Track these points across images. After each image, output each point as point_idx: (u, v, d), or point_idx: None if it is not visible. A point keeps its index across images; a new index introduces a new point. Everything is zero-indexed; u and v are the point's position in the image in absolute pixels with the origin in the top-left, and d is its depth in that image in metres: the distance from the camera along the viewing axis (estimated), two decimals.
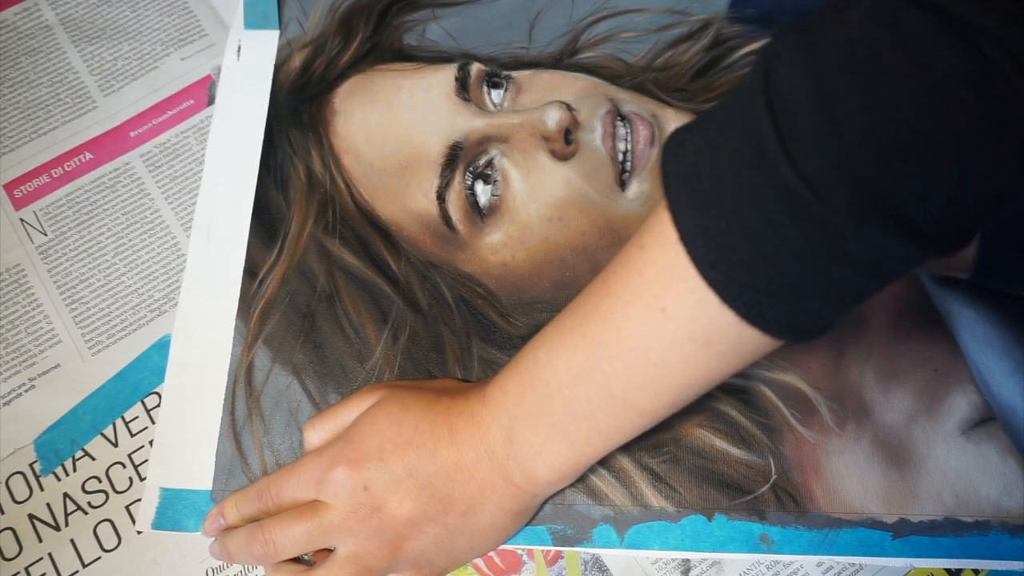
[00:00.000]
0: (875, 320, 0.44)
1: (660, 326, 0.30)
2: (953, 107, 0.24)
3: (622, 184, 0.46)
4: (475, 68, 0.47)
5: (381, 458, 0.36)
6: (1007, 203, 0.27)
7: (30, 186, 0.47)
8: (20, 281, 0.45)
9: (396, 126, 0.47)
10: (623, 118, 0.46)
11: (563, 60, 0.50)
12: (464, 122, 0.46)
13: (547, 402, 0.34)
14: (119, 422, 0.41)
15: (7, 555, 0.39)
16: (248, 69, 0.48)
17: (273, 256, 0.45)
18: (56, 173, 0.47)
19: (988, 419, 0.43)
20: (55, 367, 0.43)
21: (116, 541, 0.39)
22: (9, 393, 0.42)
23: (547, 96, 0.46)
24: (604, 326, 0.32)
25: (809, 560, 0.39)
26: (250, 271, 0.44)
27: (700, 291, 0.29)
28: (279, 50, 0.48)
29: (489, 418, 0.36)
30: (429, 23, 0.49)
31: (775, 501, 0.41)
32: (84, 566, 0.39)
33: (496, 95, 0.46)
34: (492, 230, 0.45)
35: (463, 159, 0.46)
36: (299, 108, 0.48)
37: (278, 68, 0.49)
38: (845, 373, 0.43)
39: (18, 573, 0.39)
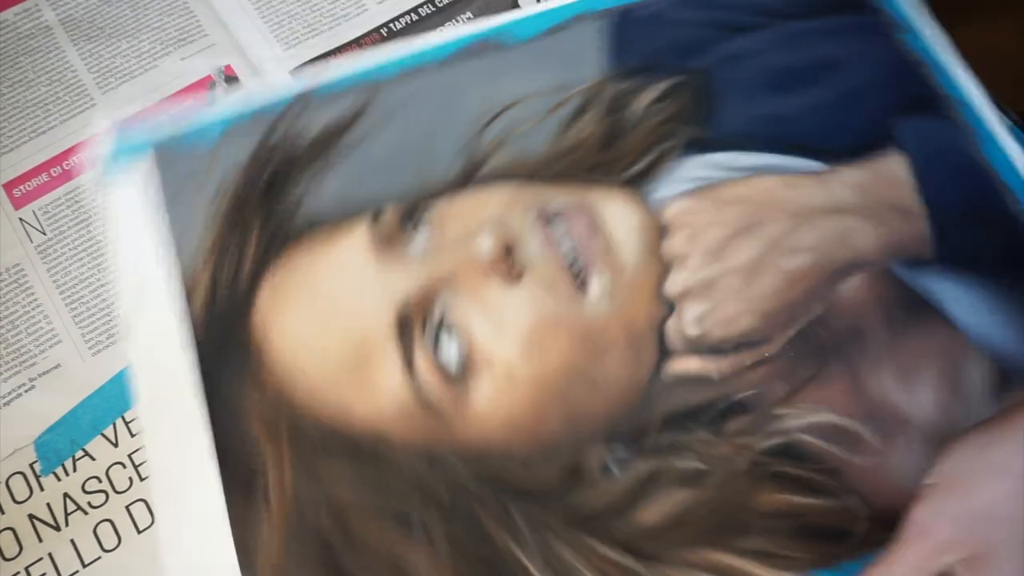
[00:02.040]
0: (869, 328, 0.44)
1: None
2: None
3: (582, 286, 0.43)
4: (388, 213, 0.43)
5: None
6: None
7: (29, 185, 0.47)
8: (20, 281, 0.45)
9: (333, 322, 0.43)
10: (555, 217, 0.44)
11: (473, 178, 0.46)
12: (399, 283, 0.42)
13: None
14: (119, 422, 0.41)
15: (7, 555, 0.39)
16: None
17: (263, 519, 0.40)
18: (55, 172, 0.47)
19: (1009, 378, 0.43)
20: (55, 367, 0.43)
21: (116, 541, 0.40)
22: (9, 393, 0.42)
23: (471, 223, 0.43)
24: None
25: None
26: (244, 554, 0.40)
27: None
28: (184, 285, 0.43)
29: None
30: (319, 183, 0.45)
31: (882, 530, 0.39)
32: (84, 566, 0.39)
33: (420, 237, 0.43)
34: (476, 386, 0.42)
35: (415, 323, 0.42)
36: (226, 342, 0.43)
37: (188, 297, 0.43)
38: (865, 390, 0.43)
39: (18, 573, 0.39)
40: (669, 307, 0.43)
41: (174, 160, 0.44)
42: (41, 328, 0.44)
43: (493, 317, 0.42)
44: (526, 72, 0.48)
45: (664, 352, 0.42)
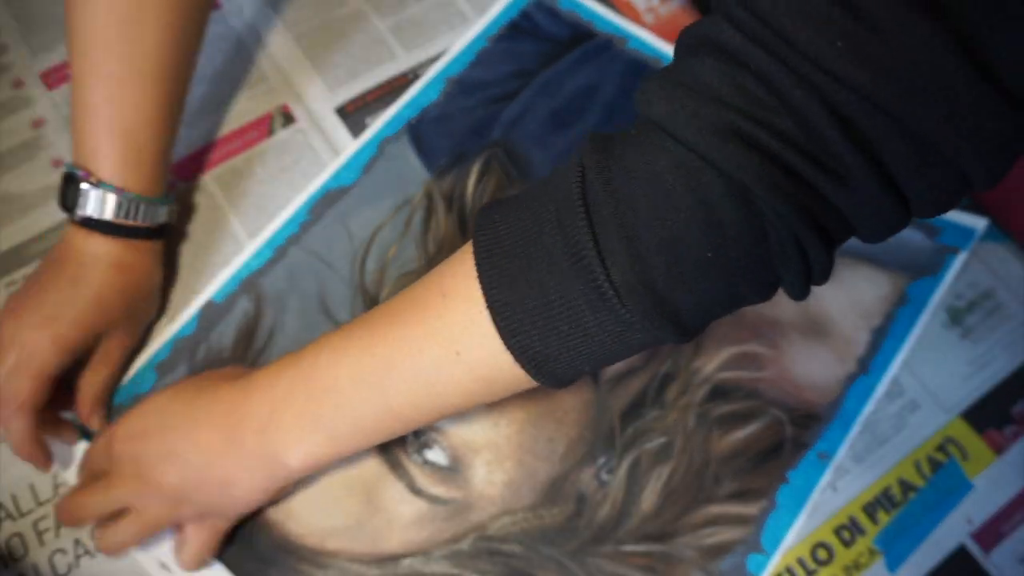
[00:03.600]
0: None
1: (452, 365, 0.32)
2: (735, 258, 0.27)
3: None
4: None
5: (145, 437, 0.39)
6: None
7: None
8: None
9: (332, 483, 0.45)
10: None
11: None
12: None
13: (318, 399, 0.36)
14: None
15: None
16: None
17: None
18: None
19: None
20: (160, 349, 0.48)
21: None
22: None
23: None
24: (397, 352, 0.34)
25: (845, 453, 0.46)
26: None
27: (496, 348, 0.31)
28: None
29: (247, 406, 0.38)
30: None
31: (800, 428, 0.46)
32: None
33: None
34: (473, 472, 0.45)
35: (396, 451, 0.45)
36: (251, 550, 0.43)
37: None
38: (742, 316, 0.48)
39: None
40: None
41: None
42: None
43: (455, 418, 0.46)
44: (370, 203, 0.51)
45: None
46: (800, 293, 0.29)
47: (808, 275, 0.28)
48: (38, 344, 0.41)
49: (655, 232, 0.27)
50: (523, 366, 0.31)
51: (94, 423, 0.45)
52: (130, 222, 0.44)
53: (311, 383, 0.36)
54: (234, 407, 0.38)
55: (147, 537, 0.41)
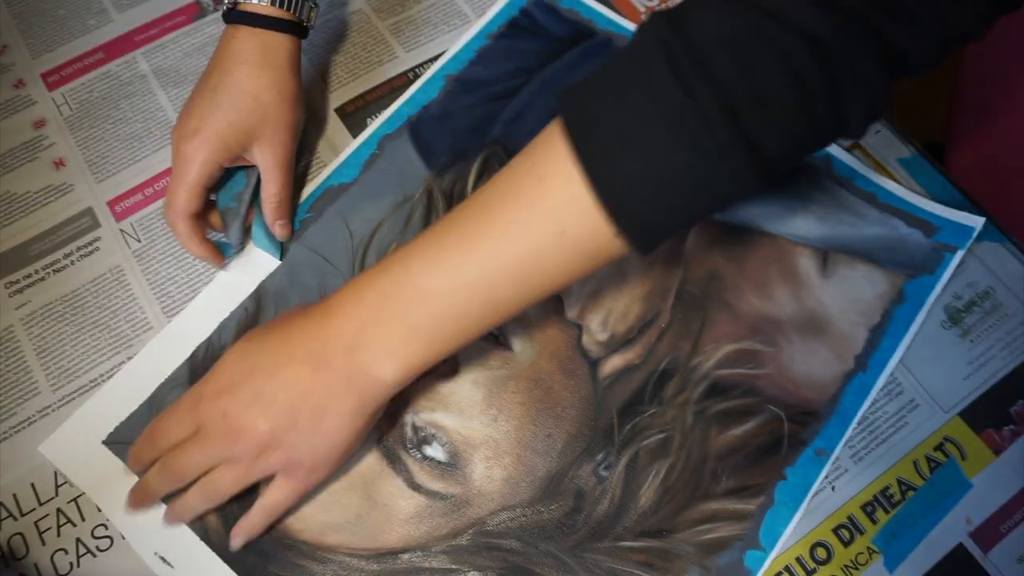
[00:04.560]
0: (719, 267, 0.49)
1: (556, 246, 0.34)
2: (814, 105, 0.30)
3: (505, 345, 0.47)
4: None
5: (231, 389, 0.39)
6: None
7: (128, 202, 0.53)
8: (120, 279, 0.50)
9: (333, 482, 0.44)
10: None
11: None
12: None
13: (414, 310, 0.36)
14: None
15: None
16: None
17: None
18: (148, 192, 0.53)
19: (825, 254, 0.48)
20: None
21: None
22: (111, 370, 0.47)
23: None
24: (499, 245, 0.34)
25: (844, 452, 0.45)
26: None
27: (599, 221, 0.32)
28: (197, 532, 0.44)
29: (329, 329, 0.38)
30: None
31: (798, 425, 0.45)
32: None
33: None
34: (472, 468, 0.44)
35: (396, 447, 0.45)
36: (252, 547, 0.43)
37: (207, 539, 0.43)
38: (741, 313, 0.48)
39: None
40: (578, 328, 0.47)
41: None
42: (136, 317, 0.49)
43: (453, 408, 0.46)
44: (371, 200, 0.51)
45: (593, 364, 0.46)
46: (861, 130, 0.32)
47: (872, 112, 0.31)
48: (187, 155, 0.45)
49: (745, 89, 0.30)
50: (627, 238, 0.33)
51: (280, 232, 0.49)
52: (283, 12, 0.47)
53: (404, 295, 0.36)
54: (315, 334, 0.38)
55: (242, 487, 0.41)
